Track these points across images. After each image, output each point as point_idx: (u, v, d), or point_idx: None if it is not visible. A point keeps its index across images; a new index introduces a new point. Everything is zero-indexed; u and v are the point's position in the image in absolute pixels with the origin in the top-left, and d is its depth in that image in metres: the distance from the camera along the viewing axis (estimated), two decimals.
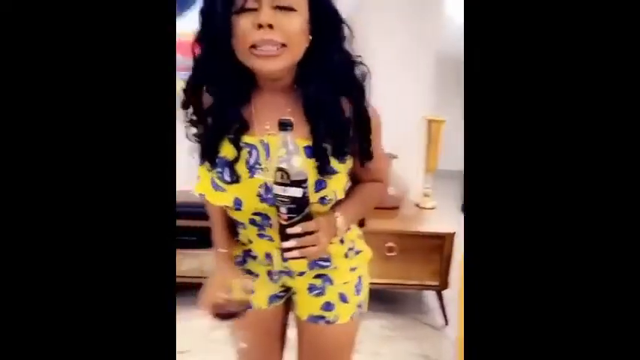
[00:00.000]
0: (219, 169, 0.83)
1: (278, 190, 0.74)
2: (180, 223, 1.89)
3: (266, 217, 0.86)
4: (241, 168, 0.83)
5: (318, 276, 0.96)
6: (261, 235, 0.90)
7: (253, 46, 0.73)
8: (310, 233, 0.78)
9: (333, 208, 0.88)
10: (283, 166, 0.73)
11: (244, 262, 0.98)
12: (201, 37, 0.79)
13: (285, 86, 0.82)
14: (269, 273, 0.97)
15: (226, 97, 0.81)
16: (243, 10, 0.73)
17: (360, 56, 0.83)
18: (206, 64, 0.80)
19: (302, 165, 0.74)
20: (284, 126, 0.73)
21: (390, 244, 1.97)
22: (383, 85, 2.28)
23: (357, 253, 0.99)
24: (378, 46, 2.16)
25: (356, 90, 0.82)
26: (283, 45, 0.74)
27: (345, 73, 0.81)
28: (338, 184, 0.85)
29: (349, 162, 0.87)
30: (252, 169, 0.82)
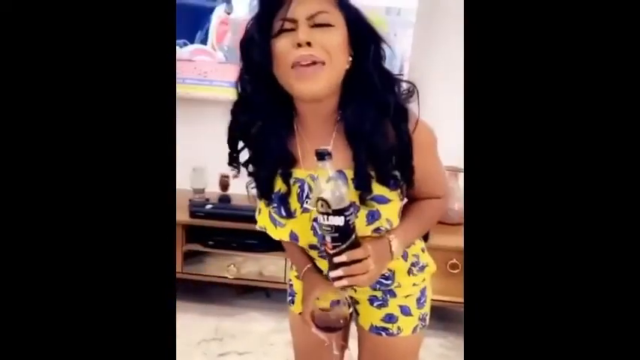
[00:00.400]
0: (275, 204, 0.85)
1: (321, 219, 0.74)
2: (242, 226, 1.95)
3: (320, 249, 0.87)
4: (294, 203, 0.84)
5: (378, 289, 0.95)
6: (321, 256, 0.91)
7: (294, 65, 0.73)
8: (359, 261, 0.76)
9: (388, 230, 0.85)
10: (323, 195, 0.72)
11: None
12: (246, 69, 0.79)
13: (329, 113, 0.81)
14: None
15: (270, 131, 0.81)
16: (282, 31, 0.73)
17: (402, 74, 0.81)
18: (253, 98, 0.80)
19: (344, 193, 0.73)
20: (321, 156, 0.72)
21: (454, 260, 1.90)
22: (448, 96, 2.21)
23: (422, 268, 0.97)
24: (452, 55, 2.11)
25: (396, 112, 0.78)
26: (323, 63, 0.73)
27: (386, 94, 0.78)
28: (391, 213, 0.83)
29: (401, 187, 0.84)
30: (303, 204, 0.83)
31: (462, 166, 2.06)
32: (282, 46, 0.73)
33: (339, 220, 0.73)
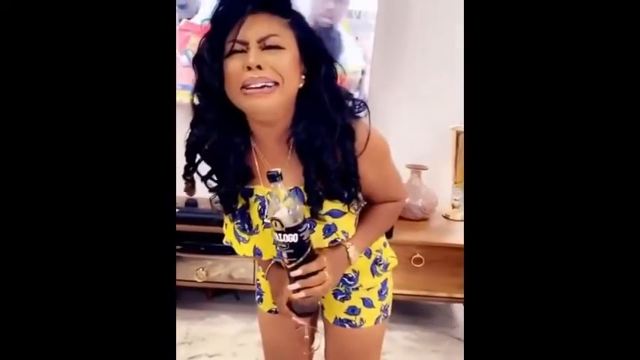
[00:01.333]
0: (238, 220, 0.87)
1: (276, 237, 0.78)
2: (210, 229, 1.96)
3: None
4: (256, 219, 0.87)
5: (341, 283, 0.99)
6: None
7: (244, 87, 0.73)
8: (315, 272, 0.80)
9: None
10: (276, 215, 0.76)
11: None
12: (198, 86, 0.80)
13: (283, 131, 0.81)
14: None
15: (227, 147, 0.82)
16: (233, 52, 0.74)
17: (351, 94, 0.83)
18: (205, 114, 0.80)
19: (297, 211, 0.77)
20: (272, 178, 0.76)
21: (418, 255, 1.97)
22: (412, 94, 2.27)
23: (386, 267, 1.01)
24: (410, 55, 2.18)
25: (343, 132, 0.79)
26: (276, 83, 0.74)
27: (334, 114, 0.79)
28: (347, 225, 0.87)
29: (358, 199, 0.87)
30: (264, 219, 0.86)
31: (424, 163, 2.14)
32: (233, 67, 0.74)
33: (293, 238, 0.77)
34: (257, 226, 0.87)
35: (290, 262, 0.80)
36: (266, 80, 0.73)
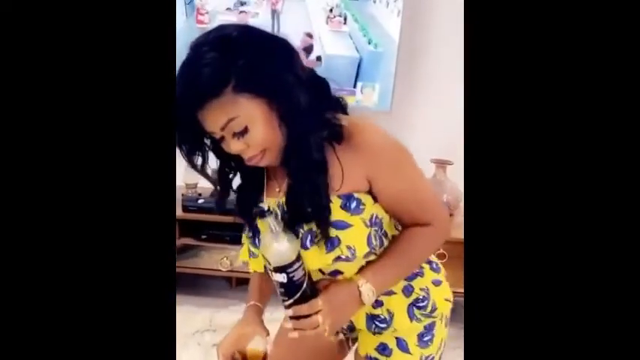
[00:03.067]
0: (250, 235, 0.84)
1: (269, 274, 0.76)
2: (234, 219, 1.98)
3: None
4: (266, 232, 0.81)
5: (376, 318, 0.85)
6: None
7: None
8: (309, 315, 0.74)
9: (362, 270, 0.78)
10: (265, 254, 0.74)
11: None
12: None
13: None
14: None
15: (247, 172, 0.81)
16: (210, 134, 0.73)
17: (334, 117, 0.75)
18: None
19: (284, 250, 0.73)
20: (261, 214, 0.74)
21: (441, 250, 1.95)
22: (438, 88, 2.24)
23: (432, 311, 0.83)
24: (436, 44, 2.14)
25: (312, 164, 0.73)
26: (263, 151, 0.73)
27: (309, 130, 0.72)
28: (353, 239, 0.75)
29: (369, 209, 0.77)
30: None
31: (449, 158, 2.10)
32: (225, 148, 0.74)
33: (281, 277, 0.74)
34: (268, 209, 0.80)
35: (283, 300, 0.77)
36: (254, 153, 0.73)
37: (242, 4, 2.12)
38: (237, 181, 0.86)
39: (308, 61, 2.12)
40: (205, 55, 0.67)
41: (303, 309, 0.75)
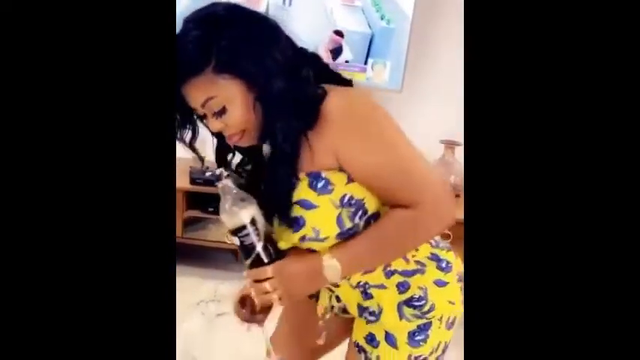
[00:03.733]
0: None
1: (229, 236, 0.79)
2: None
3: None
4: None
5: (366, 310, 0.80)
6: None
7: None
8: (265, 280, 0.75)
9: (334, 246, 0.74)
10: (220, 216, 0.77)
11: None
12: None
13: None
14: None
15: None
16: (193, 109, 0.74)
17: (314, 99, 0.71)
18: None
19: (236, 212, 0.75)
20: (217, 178, 0.77)
21: (446, 231, 1.95)
22: (451, 67, 2.20)
23: (426, 312, 0.76)
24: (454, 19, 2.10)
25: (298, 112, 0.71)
26: (243, 131, 0.74)
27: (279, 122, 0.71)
28: (319, 221, 0.71)
29: (340, 189, 0.71)
30: None
31: (460, 139, 2.09)
32: (207, 123, 0.76)
33: (235, 240, 0.77)
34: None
35: (244, 261, 0.80)
36: (233, 132, 0.74)
37: None
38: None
39: (334, 63, 2.07)
40: (191, 32, 0.69)
41: (251, 274, 0.77)
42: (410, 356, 0.77)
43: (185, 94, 0.72)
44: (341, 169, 0.71)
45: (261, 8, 2.09)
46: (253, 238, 0.76)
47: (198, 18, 0.71)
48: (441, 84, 2.16)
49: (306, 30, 2.14)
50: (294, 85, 0.70)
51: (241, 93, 0.71)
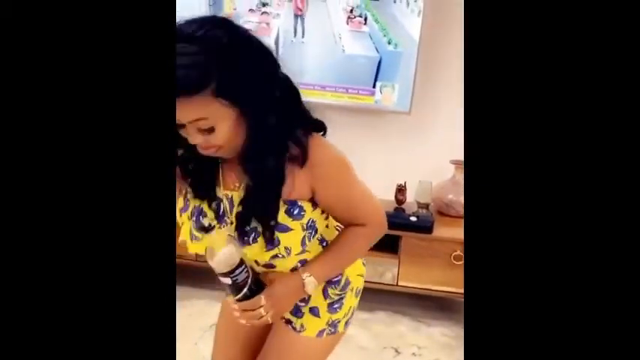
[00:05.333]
0: (194, 219, 0.89)
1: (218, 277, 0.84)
2: None
3: None
4: (213, 219, 0.87)
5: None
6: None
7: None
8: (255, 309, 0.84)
9: (307, 264, 0.89)
10: (211, 263, 0.82)
11: None
12: None
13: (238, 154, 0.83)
14: None
15: (200, 166, 0.86)
16: (178, 125, 0.75)
17: (307, 114, 0.83)
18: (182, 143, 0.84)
19: (229, 257, 0.81)
20: (206, 230, 0.82)
21: (458, 252, 1.94)
22: (458, 89, 2.21)
23: (344, 287, 0.95)
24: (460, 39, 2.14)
25: (281, 155, 0.80)
26: (221, 146, 0.77)
27: (266, 157, 0.79)
28: (291, 242, 0.85)
29: (308, 214, 0.85)
30: (220, 220, 0.87)
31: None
32: (185, 135, 0.76)
33: (227, 280, 0.83)
34: (213, 226, 0.85)
35: (233, 297, 0.86)
36: (212, 147, 0.77)
37: (264, 4, 2.16)
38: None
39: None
40: (194, 54, 0.69)
41: (247, 305, 0.85)
42: (329, 320, 0.96)
43: (178, 107, 0.70)
44: (309, 200, 0.86)
45: (271, 36, 2.16)
46: (244, 275, 0.83)
47: (202, 38, 0.70)
48: (449, 105, 2.18)
49: (315, 55, 2.20)
50: (286, 127, 0.80)
51: (233, 118, 0.74)
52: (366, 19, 2.11)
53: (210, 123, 0.73)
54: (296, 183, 0.83)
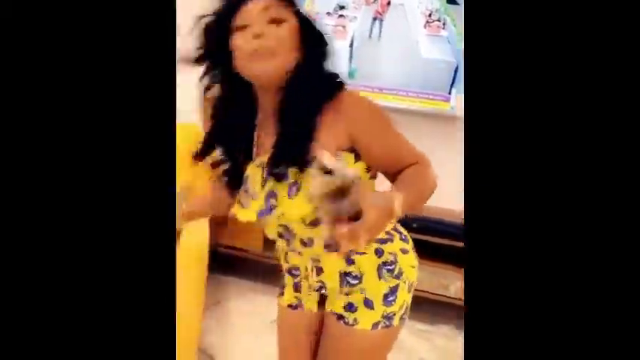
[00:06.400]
0: (244, 188, 0.90)
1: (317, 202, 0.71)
2: None
3: (287, 228, 0.89)
4: (258, 184, 0.87)
5: (349, 275, 0.92)
6: (291, 249, 0.94)
7: (250, 54, 0.81)
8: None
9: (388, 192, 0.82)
10: (312, 193, 0.70)
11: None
12: (211, 66, 0.88)
13: (278, 103, 0.86)
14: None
15: (237, 123, 0.90)
16: (239, 29, 0.82)
17: (337, 75, 0.86)
18: (220, 100, 0.90)
19: (324, 184, 0.69)
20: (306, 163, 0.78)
21: None
22: None
23: (398, 275, 0.92)
24: None
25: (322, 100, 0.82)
26: (276, 51, 0.81)
27: (319, 86, 0.83)
28: None
29: (351, 166, 0.82)
30: (264, 185, 0.86)
31: None
32: (240, 38, 0.82)
33: (327, 205, 0.69)
34: (258, 192, 0.87)
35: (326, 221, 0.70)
36: (269, 47, 0.80)
37: (341, 7, 2.17)
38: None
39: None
40: None
41: (346, 229, 0.70)
42: (384, 313, 0.92)
43: (240, 12, 0.81)
44: (350, 151, 0.84)
45: (347, 39, 2.17)
46: (344, 200, 0.69)
47: None
48: None
49: (392, 59, 2.18)
50: (327, 71, 0.86)
51: (295, 33, 0.83)
52: (444, 23, 2.05)
53: (281, 13, 0.81)
54: (333, 130, 0.82)
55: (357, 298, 0.92)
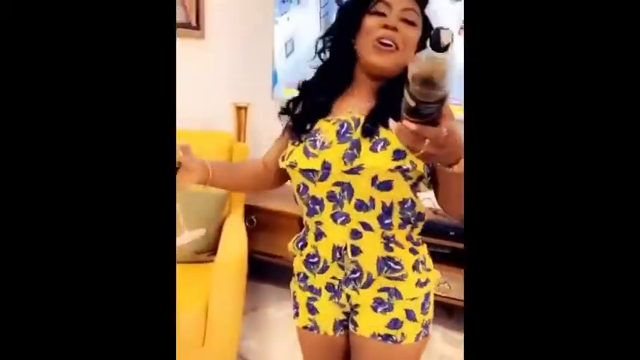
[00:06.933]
0: (312, 138, 0.91)
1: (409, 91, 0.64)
2: None
3: (348, 186, 0.87)
4: (331, 136, 0.90)
5: (384, 289, 0.92)
6: (335, 217, 0.90)
7: (376, 41, 0.86)
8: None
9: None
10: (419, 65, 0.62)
11: (306, 277, 0.98)
12: (329, 31, 0.95)
13: (377, 85, 0.93)
14: (329, 287, 0.96)
15: (327, 85, 0.96)
16: (375, 13, 0.88)
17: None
18: (328, 57, 0.96)
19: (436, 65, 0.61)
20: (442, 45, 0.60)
21: None
22: None
23: (428, 270, 0.96)
24: None
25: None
26: (397, 49, 0.87)
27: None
28: (417, 159, 0.73)
29: None
30: (341, 137, 0.89)
31: None
32: (372, 23, 0.88)
33: (427, 91, 0.60)
34: (331, 142, 0.89)
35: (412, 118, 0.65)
36: (396, 42, 0.86)
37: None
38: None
39: None
40: None
41: (427, 129, 0.64)
42: (423, 322, 0.95)
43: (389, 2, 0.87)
44: None
45: None
46: (440, 97, 0.63)
47: None
48: None
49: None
50: None
51: (418, 37, 0.89)
52: None
53: (415, 18, 0.88)
54: None
55: (398, 313, 0.92)
